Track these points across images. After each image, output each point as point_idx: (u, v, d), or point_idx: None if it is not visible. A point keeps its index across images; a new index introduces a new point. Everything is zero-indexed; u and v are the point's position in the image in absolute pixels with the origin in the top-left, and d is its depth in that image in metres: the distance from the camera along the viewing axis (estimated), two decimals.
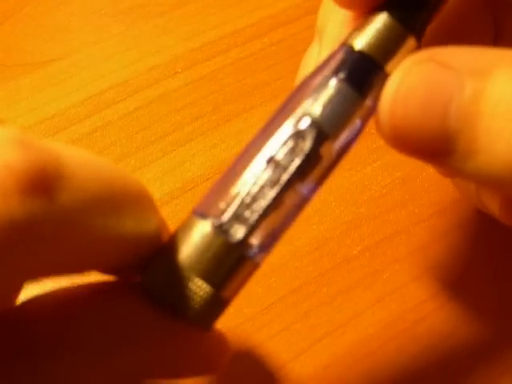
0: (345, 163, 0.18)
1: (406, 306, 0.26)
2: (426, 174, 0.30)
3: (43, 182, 0.13)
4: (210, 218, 0.17)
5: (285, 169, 0.17)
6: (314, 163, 0.17)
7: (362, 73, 0.18)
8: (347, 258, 0.27)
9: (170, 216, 0.29)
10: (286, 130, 0.17)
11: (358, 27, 0.18)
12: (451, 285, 0.27)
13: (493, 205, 0.23)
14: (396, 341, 0.25)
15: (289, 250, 0.28)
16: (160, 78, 0.33)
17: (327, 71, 0.18)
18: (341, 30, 0.20)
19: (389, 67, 0.18)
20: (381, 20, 0.18)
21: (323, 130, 0.17)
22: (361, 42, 0.18)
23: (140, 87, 0.33)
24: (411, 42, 0.18)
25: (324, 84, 0.18)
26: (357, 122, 0.18)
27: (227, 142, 0.31)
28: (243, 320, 0.26)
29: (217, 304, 0.17)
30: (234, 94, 0.33)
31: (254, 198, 0.17)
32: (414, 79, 0.17)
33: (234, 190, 0.17)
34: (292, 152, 0.17)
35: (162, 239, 0.18)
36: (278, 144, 0.17)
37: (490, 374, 0.25)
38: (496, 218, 0.23)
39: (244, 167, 0.17)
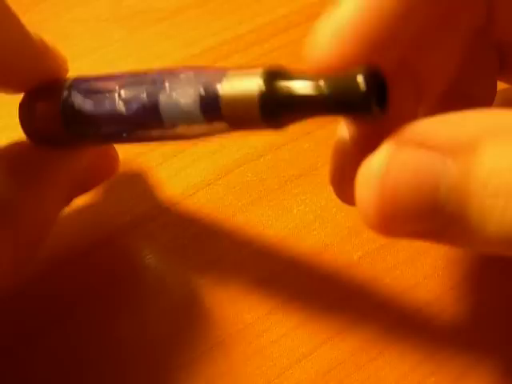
0: None
1: (406, 311, 0.26)
2: None
3: None
4: None
5: None
6: None
7: None
8: (348, 264, 0.27)
9: (171, 221, 0.29)
10: None
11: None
12: (452, 290, 0.27)
13: None
14: (397, 346, 0.25)
15: (289, 256, 0.28)
16: None
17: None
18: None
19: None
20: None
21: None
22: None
23: None
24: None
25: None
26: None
27: (228, 147, 0.31)
28: (244, 326, 0.26)
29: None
30: None
31: None
32: (399, 166, 0.16)
33: None
34: None
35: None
36: None
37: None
38: None
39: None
